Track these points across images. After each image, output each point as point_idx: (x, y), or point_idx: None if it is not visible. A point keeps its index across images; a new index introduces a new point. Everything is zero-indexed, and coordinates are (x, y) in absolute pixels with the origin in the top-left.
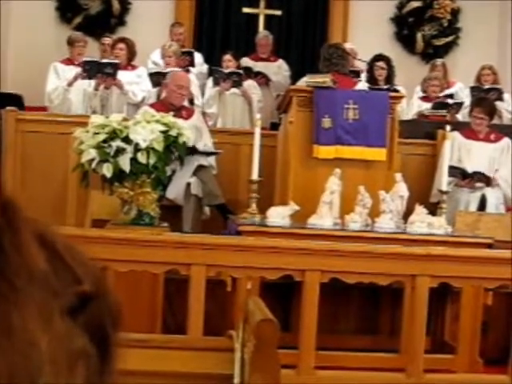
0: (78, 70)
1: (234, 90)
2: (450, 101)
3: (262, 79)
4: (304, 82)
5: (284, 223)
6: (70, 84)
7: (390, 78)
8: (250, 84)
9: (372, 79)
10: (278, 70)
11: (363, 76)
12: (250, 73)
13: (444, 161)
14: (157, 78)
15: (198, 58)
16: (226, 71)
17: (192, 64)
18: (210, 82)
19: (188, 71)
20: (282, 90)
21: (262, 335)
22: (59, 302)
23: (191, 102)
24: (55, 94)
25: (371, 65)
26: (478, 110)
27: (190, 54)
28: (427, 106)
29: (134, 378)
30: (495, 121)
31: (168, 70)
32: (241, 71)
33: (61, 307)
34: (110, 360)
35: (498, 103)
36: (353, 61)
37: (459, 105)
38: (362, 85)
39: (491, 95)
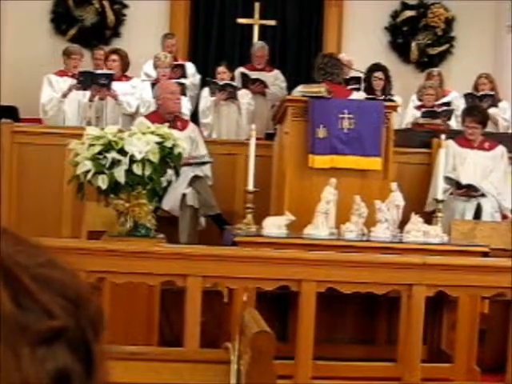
0: (73, 81)
1: (228, 101)
2: (439, 109)
3: (259, 86)
4: (298, 91)
5: (280, 233)
6: (64, 95)
7: (386, 89)
8: (241, 93)
9: (369, 89)
10: (273, 80)
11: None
12: (247, 80)
13: (439, 169)
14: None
15: (191, 68)
16: (221, 83)
17: (184, 76)
18: (205, 92)
19: (180, 83)
20: (278, 101)
21: (258, 347)
22: (28, 338)
23: None
24: (49, 106)
25: (368, 75)
26: (469, 119)
27: (182, 67)
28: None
29: None
30: (491, 129)
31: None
32: (235, 83)
33: (30, 343)
34: (95, 372)
35: (492, 110)
36: (349, 71)
37: (449, 112)
38: (360, 94)
39: (485, 102)
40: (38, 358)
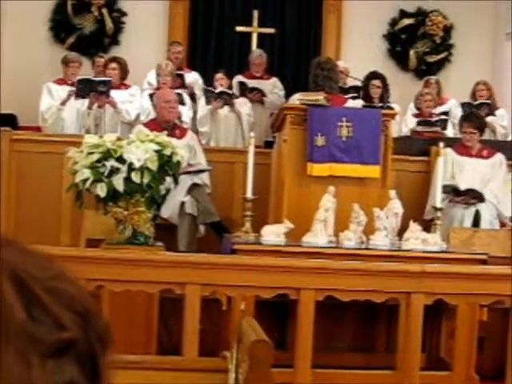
0: (72, 89)
1: (226, 108)
2: (434, 118)
3: (257, 95)
4: (296, 99)
5: (278, 241)
6: (63, 103)
7: (384, 97)
8: (240, 101)
9: (367, 97)
10: (271, 88)
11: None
12: (245, 88)
13: (438, 177)
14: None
15: (195, 77)
16: (217, 91)
17: (183, 86)
18: (202, 101)
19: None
20: (277, 109)
21: (256, 356)
22: (38, 350)
23: (178, 118)
24: (49, 114)
25: (366, 83)
26: (467, 125)
27: (181, 77)
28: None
29: None
30: (489, 136)
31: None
32: (231, 91)
33: (40, 353)
34: None
35: (490, 118)
36: (346, 79)
37: (444, 121)
38: (358, 102)
39: (482, 110)
40: (47, 369)
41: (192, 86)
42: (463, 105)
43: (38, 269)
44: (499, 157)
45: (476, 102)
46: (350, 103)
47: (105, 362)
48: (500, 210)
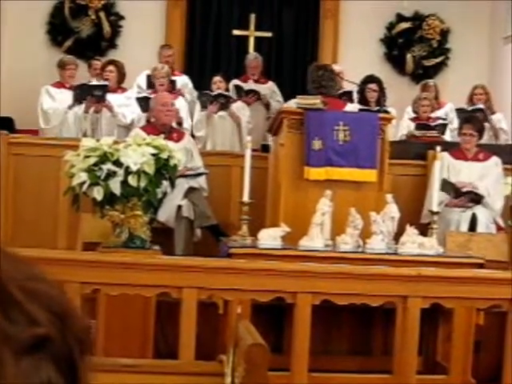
0: (70, 93)
1: (222, 112)
2: (433, 123)
3: (254, 97)
4: (293, 103)
5: (275, 245)
6: (70, 107)
7: (380, 101)
8: (238, 106)
9: (363, 101)
10: (269, 92)
11: (355, 97)
12: (241, 91)
13: (434, 181)
14: (145, 103)
15: (187, 82)
16: (213, 94)
17: (174, 90)
18: (197, 105)
19: (178, 96)
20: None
21: (253, 360)
22: (11, 346)
23: (179, 124)
24: (53, 116)
25: (363, 87)
26: (467, 126)
27: (173, 82)
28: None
29: None
30: (489, 141)
31: (156, 94)
32: (228, 93)
33: (14, 350)
34: None
35: (495, 117)
36: (341, 82)
37: (443, 126)
38: (354, 106)
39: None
40: (22, 368)
41: (182, 90)
42: (457, 110)
43: (14, 270)
44: (495, 159)
45: (470, 108)
46: (349, 107)
47: (84, 364)
48: (489, 202)
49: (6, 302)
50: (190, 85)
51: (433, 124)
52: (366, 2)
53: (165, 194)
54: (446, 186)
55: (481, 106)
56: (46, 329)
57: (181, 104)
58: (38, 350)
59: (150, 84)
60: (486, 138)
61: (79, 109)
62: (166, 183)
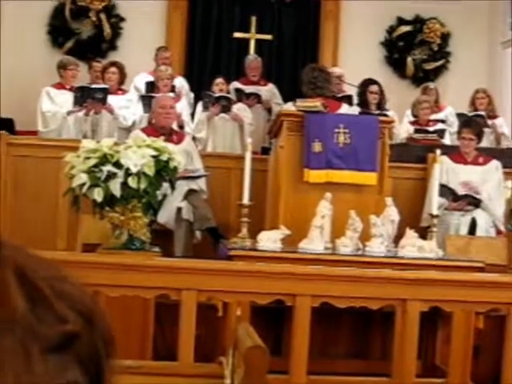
0: (71, 94)
1: (223, 114)
2: (432, 127)
3: (254, 100)
4: (291, 105)
5: (275, 247)
6: (69, 113)
7: (381, 104)
8: (239, 107)
9: (363, 103)
10: (269, 94)
11: (355, 100)
12: (241, 94)
13: (434, 184)
14: (149, 102)
15: (184, 84)
16: (216, 95)
17: (173, 91)
18: (199, 106)
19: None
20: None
21: (252, 362)
22: (40, 343)
23: (181, 127)
24: (52, 120)
25: (363, 89)
26: (466, 130)
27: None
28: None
29: None
30: (490, 145)
31: (159, 94)
32: (230, 95)
33: (42, 347)
34: None
35: (498, 121)
36: (342, 85)
37: (442, 131)
38: (354, 109)
39: None
40: (50, 366)
41: (180, 92)
42: (458, 115)
43: (42, 269)
44: (495, 163)
45: (471, 114)
46: (346, 108)
47: (109, 365)
48: (490, 206)
49: (35, 299)
50: (187, 86)
51: (431, 129)
52: (367, 5)
53: (165, 196)
54: (443, 190)
55: (482, 112)
56: (74, 326)
57: (183, 106)
58: (66, 348)
59: (149, 89)
60: (487, 143)
61: (79, 111)
62: (165, 185)
